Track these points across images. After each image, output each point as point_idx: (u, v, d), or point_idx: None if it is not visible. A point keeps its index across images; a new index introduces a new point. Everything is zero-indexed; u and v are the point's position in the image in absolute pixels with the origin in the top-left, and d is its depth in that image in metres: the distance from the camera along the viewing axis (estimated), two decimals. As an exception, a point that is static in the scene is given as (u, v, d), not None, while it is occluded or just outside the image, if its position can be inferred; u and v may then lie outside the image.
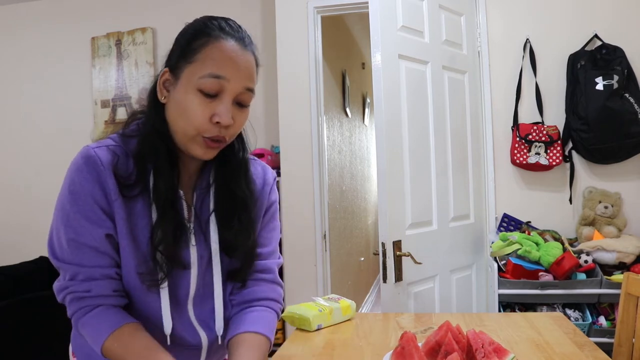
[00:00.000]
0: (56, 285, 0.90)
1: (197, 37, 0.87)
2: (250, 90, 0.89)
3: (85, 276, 0.87)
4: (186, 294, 0.96)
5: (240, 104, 0.89)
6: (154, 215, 0.88)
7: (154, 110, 0.91)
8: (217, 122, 0.85)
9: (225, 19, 0.91)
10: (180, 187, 0.93)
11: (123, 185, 0.87)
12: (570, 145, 2.41)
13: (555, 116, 2.46)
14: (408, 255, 1.91)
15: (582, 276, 2.13)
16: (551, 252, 2.14)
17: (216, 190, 0.97)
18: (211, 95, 0.85)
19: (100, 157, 0.86)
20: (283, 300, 1.08)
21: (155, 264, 0.88)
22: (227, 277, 0.99)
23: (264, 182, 1.04)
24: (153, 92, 0.92)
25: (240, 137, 0.99)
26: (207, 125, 0.85)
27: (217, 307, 0.98)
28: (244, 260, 0.98)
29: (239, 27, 0.91)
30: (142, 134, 0.90)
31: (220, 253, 0.96)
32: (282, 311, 1.10)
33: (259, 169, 1.06)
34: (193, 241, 0.94)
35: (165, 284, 0.91)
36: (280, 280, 1.07)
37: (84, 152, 0.87)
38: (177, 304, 0.95)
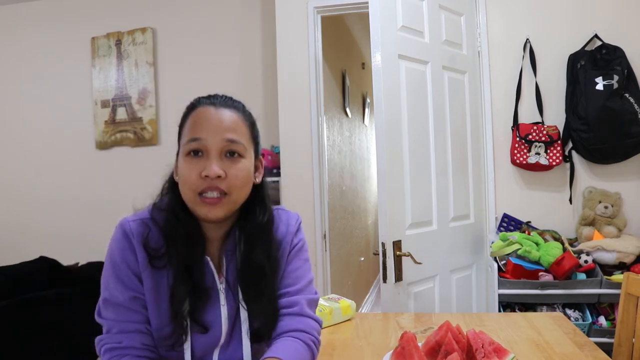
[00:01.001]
0: (97, 338, 0.99)
1: (184, 115, 1.00)
2: (234, 142, 0.95)
3: (118, 329, 0.96)
4: (215, 345, 1.00)
5: (232, 155, 0.95)
6: (171, 280, 0.96)
7: (171, 189, 1.02)
8: (206, 176, 0.92)
9: (210, 95, 1.00)
10: (207, 253, 1.01)
11: (152, 256, 0.96)
12: (570, 145, 2.41)
13: (555, 116, 2.46)
14: (408, 255, 1.91)
15: (582, 276, 2.13)
16: (551, 252, 2.14)
17: (238, 255, 1.02)
18: (198, 156, 0.94)
19: (132, 230, 0.97)
20: None
21: (174, 325, 0.94)
22: (251, 338, 1.01)
23: (286, 232, 1.07)
24: (171, 174, 1.03)
25: (261, 201, 1.04)
26: (199, 181, 0.93)
27: None
28: (265, 323, 1.00)
29: (216, 95, 1.00)
30: (165, 209, 1.00)
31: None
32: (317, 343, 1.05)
33: (283, 219, 1.09)
34: (223, 301, 1.00)
35: (188, 344, 0.97)
36: (310, 312, 1.04)
37: (120, 225, 0.98)
38: (203, 353, 1.00)
